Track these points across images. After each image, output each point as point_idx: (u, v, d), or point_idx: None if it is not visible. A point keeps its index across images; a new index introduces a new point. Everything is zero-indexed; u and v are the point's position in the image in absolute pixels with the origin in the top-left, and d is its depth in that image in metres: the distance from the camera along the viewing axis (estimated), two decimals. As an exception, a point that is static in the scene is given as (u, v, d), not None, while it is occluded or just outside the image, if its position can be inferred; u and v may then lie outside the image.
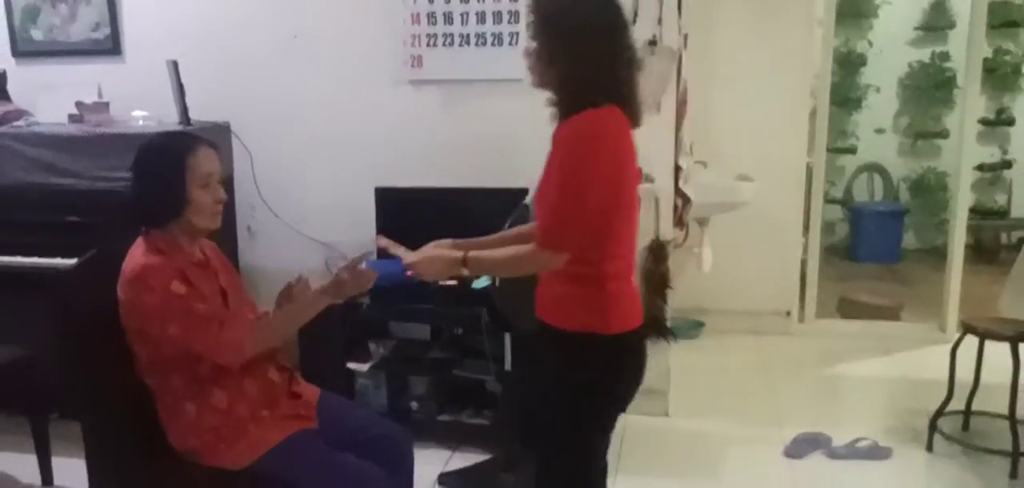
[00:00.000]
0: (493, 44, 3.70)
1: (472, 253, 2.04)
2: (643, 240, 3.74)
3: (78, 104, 3.73)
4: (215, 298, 2.21)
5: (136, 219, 2.18)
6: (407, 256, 2.10)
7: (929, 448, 3.52)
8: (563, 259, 1.92)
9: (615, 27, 1.93)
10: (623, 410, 2.10)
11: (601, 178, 1.87)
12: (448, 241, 2.13)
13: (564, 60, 1.91)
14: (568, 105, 1.92)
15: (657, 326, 3.79)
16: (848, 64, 7.12)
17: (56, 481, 3.29)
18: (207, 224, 2.22)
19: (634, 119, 1.97)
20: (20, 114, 3.80)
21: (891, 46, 7.12)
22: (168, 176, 2.14)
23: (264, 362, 2.27)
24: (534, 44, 1.95)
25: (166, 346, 2.09)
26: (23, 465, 3.34)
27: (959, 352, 3.43)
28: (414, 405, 3.65)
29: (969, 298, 4.97)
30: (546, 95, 1.98)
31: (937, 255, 6.20)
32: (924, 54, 7.08)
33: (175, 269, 2.10)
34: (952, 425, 3.58)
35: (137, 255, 2.12)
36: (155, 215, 2.16)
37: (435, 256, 2.08)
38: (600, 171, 1.87)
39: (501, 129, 3.75)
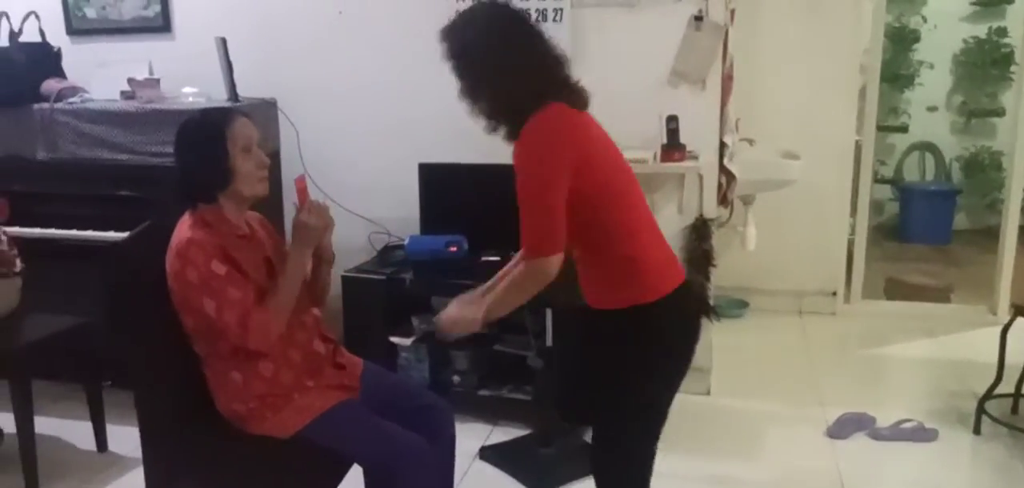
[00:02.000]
0: (537, 19, 3.69)
1: (487, 305, 2.10)
2: (687, 218, 3.73)
3: (130, 81, 3.81)
4: (260, 270, 2.25)
5: (186, 195, 2.23)
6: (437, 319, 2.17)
7: (976, 431, 3.46)
8: (556, 262, 1.94)
9: (520, 34, 1.99)
10: (680, 377, 2.11)
11: (560, 173, 1.90)
12: (469, 295, 2.20)
13: (488, 88, 1.97)
14: (511, 126, 1.97)
15: (700, 304, 3.78)
16: (900, 40, 6.96)
17: (110, 448, 3.40)
18: (255, 191, 2.26)
19: (579, 104, 2.02)
20: (75, 91, 3.89)
21: (946, 22, 6.94)
22: (211, 149, 2.18)
23: (309, 333, 2.31)
24: (461, 88, 2.03)
25: (204, 314, 2.14)
26: (79, 432, 3.45)
27: (1010, 334, 3.36)
28: (456, 379, 3.68)
29: (1022, 280, 4.86)
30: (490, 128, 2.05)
31: (989, 236, 6.06)
32: (980, 30, 6.89)
33: (217, 246, 2.14)
34: (1001, 408, 3.52)
35: (184, 229, 2.17)
36: (204, 189, 2.21)
37: (458, 318, 2.13)
38: (556, 168, 1.90)
39: (544, 106, 3.75)
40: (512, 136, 1.98)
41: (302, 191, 2.33)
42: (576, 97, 2.03)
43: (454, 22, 2.04)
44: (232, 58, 3.72)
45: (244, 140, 2.21)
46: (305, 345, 2.29)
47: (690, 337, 2.10)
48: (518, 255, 2.10)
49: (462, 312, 2.14)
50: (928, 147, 7.19)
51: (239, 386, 2.19)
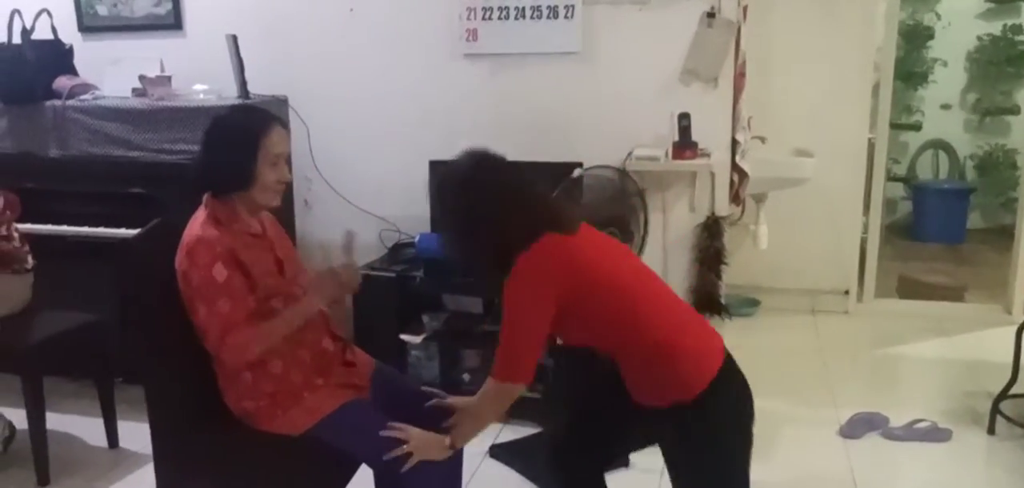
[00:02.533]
0: (548, 17, 3.68)
1: (453, 428, 2.15)
2: (699, 216, 3.71)
3: (141, 78, 3.81)
4: (272, 270, 2.25)
5: (201, 185, 2.23)
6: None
7: (991, 431, 3.43)
8: (520, 389, 2.05)
9: (499, 179, 2.06)
10: (747, 448, 2.08)
11: (544, 311, 1.96)
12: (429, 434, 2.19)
13: (473, 233, 2.03)
14: (501, 266, 1.99)
15: (711, 303, 3.76)
16: (914, 37, 6.91)
17: (121, 444, 3.41)
18: (268, 202, 2.25)
19: (568, 230, 2.03)
20: (86, 88, 3.91)
21: (960, 19, 6.87)
22: (241, 150, 2.17)
23: (317, 331, 2.31)
24: (445, 237, 2.09)
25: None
26: (90, 428, 3.46)
27: (1025, 334, 3.34)
28: (466, 377, 3.68)
29: (1037, 280, 4.82)
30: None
31: (1004, 235, 6.01)
32: (995, 27, 6.82)
33: (226, 248, 2.13)
34: (1016, 408, 3.48)
35: (195, 226, 2.17)
36: (221, 184, 2.20)
37: (424, 449, 2.13)
38: (540, 305, 1.96)
39: (555, 103, 3.74)
40: (503, 275, 1.99)
41: (350, 247, 2.39)
42: (566, 224, 2.05)
43: (442, 174, 2.15)
44: (243, 56, 3.72)
45: (276, 151, 2.21)
46: (314, 344, 2.28)
47: (743, 420, 2.07)
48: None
49: (430, 445, 2.14)
50: (942, 145, 7.13)
51: (249, 384, 2.19)
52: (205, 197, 2.23)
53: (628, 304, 2.00)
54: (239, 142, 2.19)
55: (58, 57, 3.98)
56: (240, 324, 2.12)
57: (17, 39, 3.83)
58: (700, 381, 1.98)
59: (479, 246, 2.04)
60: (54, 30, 3.98)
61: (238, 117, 2.32)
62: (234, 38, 3.71)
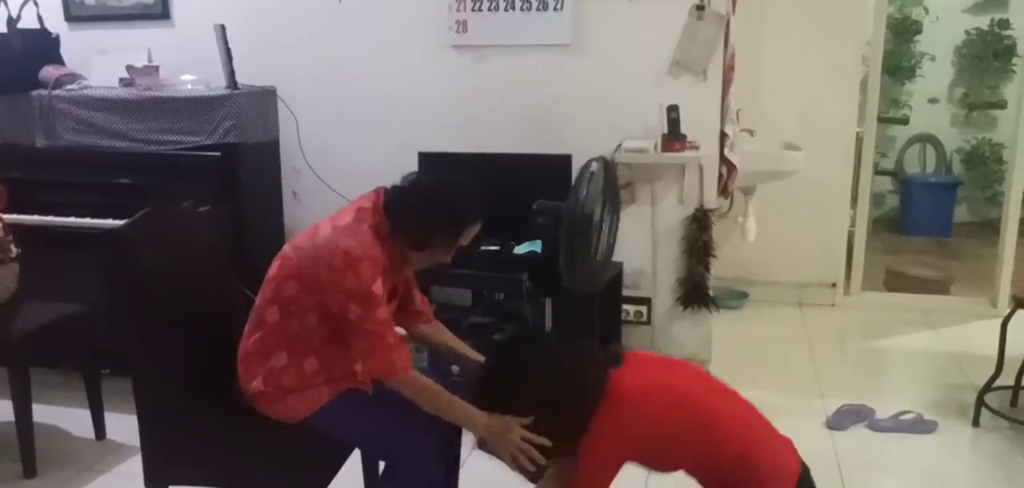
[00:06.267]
0: (538, 8, 3.67)
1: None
2: (687, 208, 3.72)
3: (129, 68, 3.79)
4: (386, 294, 2.20)
5: (398, 203, 2.18)
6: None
7: (976, 423, 3.46)
8: None
9: (540, 368, 2.08)
10: None
11: (618, 463, 2.01)
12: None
13: (551, 418, 2.04)
14: (578, 431, 2.00)
15: (699, 295, 3.78)
16: (902, 31, 6.95)
17: (108, 435, 3.39)
18: (414, 265, 2.27)
19: (617, 363, 2.07)
20: (73, 77, 3.88)
21: (948, 13, 6.92)
22: (448, 222, 2.16)
23: (343, 353, 2.24)
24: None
25: (335, 310, 2.10)
26: (77, 420, 3.45)
27: (1010, 327, 3.36)
28: (454, 369, 3.66)
29: (1022, 273, 4.86)
30: None
31: (990, 229, 6.06)
32: (982, 21, 6.88)
33: (384, 268, 2.11)
34: (1000, 400, 3.51)
35: (367, 236, 2.11)
36: (404, 224, 2.16)
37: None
38: (617, 460, 2.01)
39: (545, 95, 3.74)
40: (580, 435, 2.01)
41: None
42: (617, 359, 2.07)
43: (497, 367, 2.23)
44: (231, 46, 3.70)
45: (459, 242, 2.20)
46: (329, 355, 2.22)
47: None
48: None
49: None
50: (929, 139, 7.18)
51: (277, 367, 2.16)
52: (376, 201, 2.19)
53: (701, 427, 2.01)
54: (452, 215, 2.17)
55: (44, 46, 3.95)
56: (399, 344, 2.12)
57: (3, 28, 3.80)
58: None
59: (556, 427, 2.04)
60: (40, 19, 3.95)
61: (470, 197, 2.23)
62: (222, 28, 3.69)
